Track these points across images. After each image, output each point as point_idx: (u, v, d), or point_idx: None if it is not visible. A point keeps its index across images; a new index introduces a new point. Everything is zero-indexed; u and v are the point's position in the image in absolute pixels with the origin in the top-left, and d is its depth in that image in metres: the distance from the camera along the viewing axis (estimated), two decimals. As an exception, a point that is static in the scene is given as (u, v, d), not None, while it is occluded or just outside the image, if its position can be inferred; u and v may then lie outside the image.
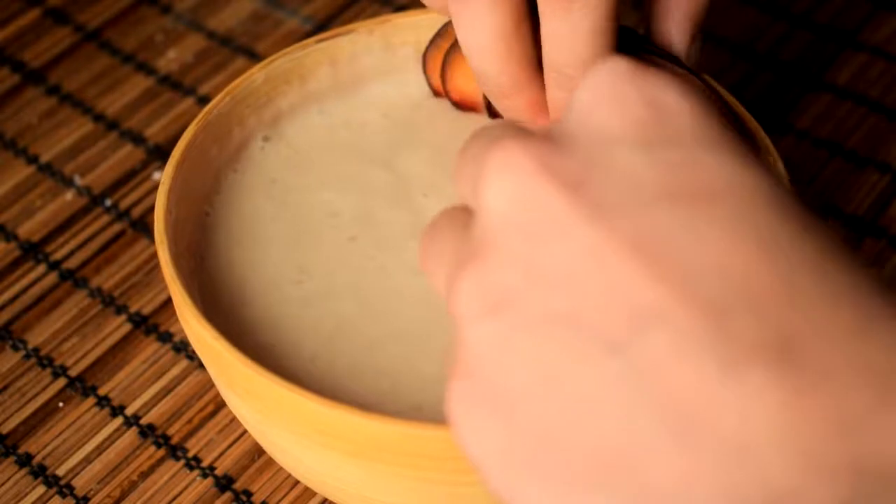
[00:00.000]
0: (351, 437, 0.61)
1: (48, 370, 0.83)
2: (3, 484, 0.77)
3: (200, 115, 0.74)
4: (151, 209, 0.89)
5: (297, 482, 0.76)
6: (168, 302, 0.86)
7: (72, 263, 0.89)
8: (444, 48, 0.76)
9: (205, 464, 0.77)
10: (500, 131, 0.47)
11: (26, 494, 0.76)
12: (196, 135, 0.74)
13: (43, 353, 0.83)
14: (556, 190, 0.42)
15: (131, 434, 0.79)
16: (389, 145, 0.76)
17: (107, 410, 0.80)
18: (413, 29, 0.81)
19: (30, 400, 0.81)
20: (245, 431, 0.78)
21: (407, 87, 0.80)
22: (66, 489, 0.76)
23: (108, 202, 0.93)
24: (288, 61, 0.79)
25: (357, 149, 0.77)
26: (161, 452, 0.78)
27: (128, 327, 0.85)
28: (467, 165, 0.48)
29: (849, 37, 1.04)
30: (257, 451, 0.78)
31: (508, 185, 0.44)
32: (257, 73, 0.77)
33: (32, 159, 0.96)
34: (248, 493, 0.76)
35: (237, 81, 0.77)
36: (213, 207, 0.74)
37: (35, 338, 0.84)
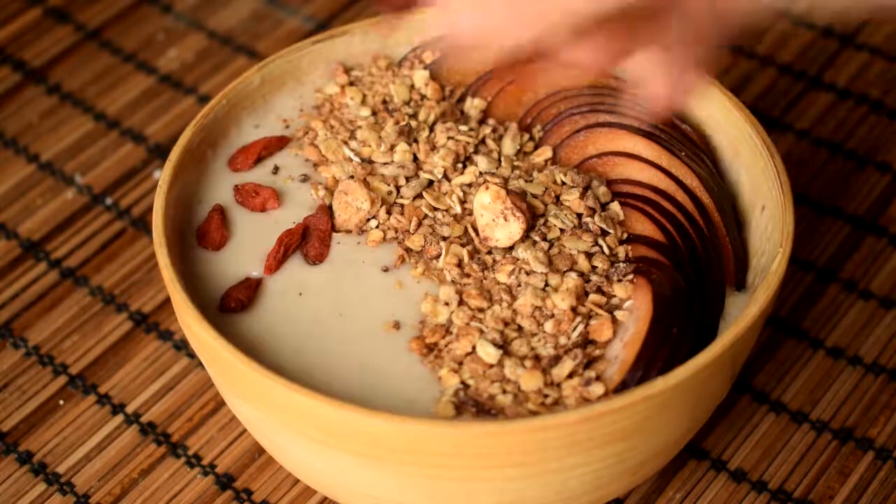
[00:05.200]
0: (359, 436, 0.61)
1: (48, 368, 0.83)
2: (3, 481, 0.77)
3: (197, 119, 0.74)
4: (152, 208, 0.89)
5: (298, 481, 0.76)
6: (169, 300, 0.86)
7: (72, 262, 0.89)
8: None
9: (205, 462, 0.77)
10: None
11: (26, 492, 0.76)
12: (193, 138, 0.74)
13: (43, 351, 0.84)
14: None
15: (132, 432, 0.79)
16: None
17: (107, 408, 0.80)
18: (407, 29, 0.81)
19: (30, 398, 0.81)
20: (245, 430, 0.78)
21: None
22: (66, 487, 0.77)
23: (109, 201, 0.93)
24: (284, 63, 0.79)
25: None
26: (161, 450, 0.78)
27: (128, 325, 0.85)
28: None
29: (849, 37, 1.04)
30: (258, 450, 0.78)
31: None
32: (253, 76, 0.78)
33: (33, 158, 0.96)
34: (249, 492, 0.76)
35: (233, 84, 0.77)
36: (205, 195, 0.74)
37: (35, 336, 0.84)
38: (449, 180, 0.73)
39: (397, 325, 0.67)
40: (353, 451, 0.62)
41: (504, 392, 0.64)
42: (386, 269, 0.70)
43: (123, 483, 0.77)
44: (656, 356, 0.64)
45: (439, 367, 0.65)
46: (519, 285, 0.68)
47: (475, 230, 0.71)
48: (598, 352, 0.66)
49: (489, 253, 0.70)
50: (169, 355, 0.83)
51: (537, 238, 0.70)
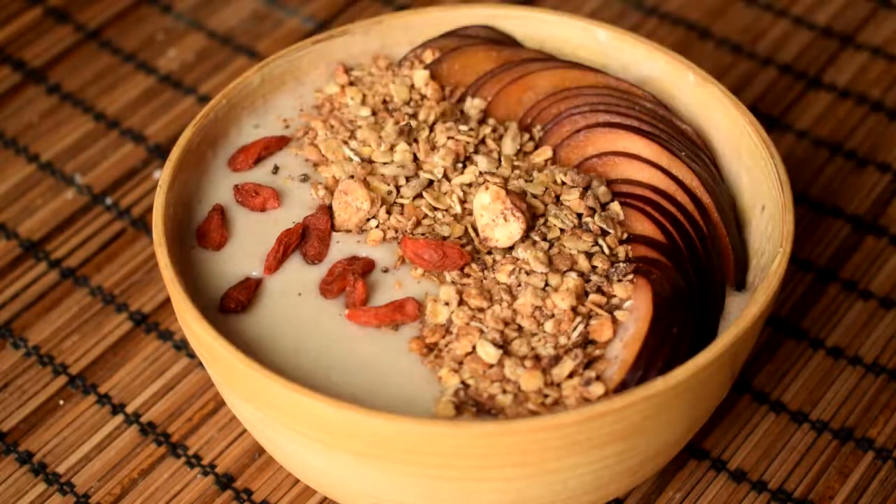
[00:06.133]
0: (359, 436, 0.61)
1: (48, 368, 0.83)
2: (3, 481, 0.77)
3: (197, 119, 0.74)
4: (152, 208, 0.89)
5: (298, 481, 0.76)
6: (169, 300, 0.86)
7: (72, 262, 0.89)
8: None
9: (205, 462, 0.77)
10: None
11: (26, 492, 0.76)
12: (193, 138, 0.74)
13: (43, 351, 0.84)
14: None
15: (132, 432, 0.79)
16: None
17: (107, 408, 0.80)
18: (407, 29, 0.82)
19: (30, 398, 0.81)
20: (245, 430, 0.78)
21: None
22: (66, 487, 0.77)
23: (109, 201, 0.93)
24: (284, 63, 0.79)
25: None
26: (161, 450, 0.78)
27: (128, 325, 0.85)
28: None
29: (849, 37, 1.04)
30: (257, 450, 0.78)
31: None
32: (253, 76, 0.78)
33: (33, 158, 0.96)
34: (249, 492, 0.76)
35: (233, 84, 0.77)
36: (205, 195, 0.74)
37: (35, 336, 0.84)
38: (449, 180, 0.73)
39: (397, 325, 0.68)
40: (353, 451, 0.62)
41: (504, 392, 0.64)
42: (385, 270, 0.70)
43: (123, 483, 0.77)
44: (656, 356, 0.64)
45: (439, 367, 0.65)
46: (519, 285, 0.68)
47: (475, 230, 0.71)
48: (598, 352, 0.66)
49: (489, 253, 0.70)
50: (169, 355, 0.83)
51: (537, 238, 0.70)
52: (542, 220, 0.71)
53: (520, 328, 0.67)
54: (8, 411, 0.81)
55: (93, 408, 0.81)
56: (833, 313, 0.84)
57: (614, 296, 0.68)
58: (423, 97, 0.78)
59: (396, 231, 0.71)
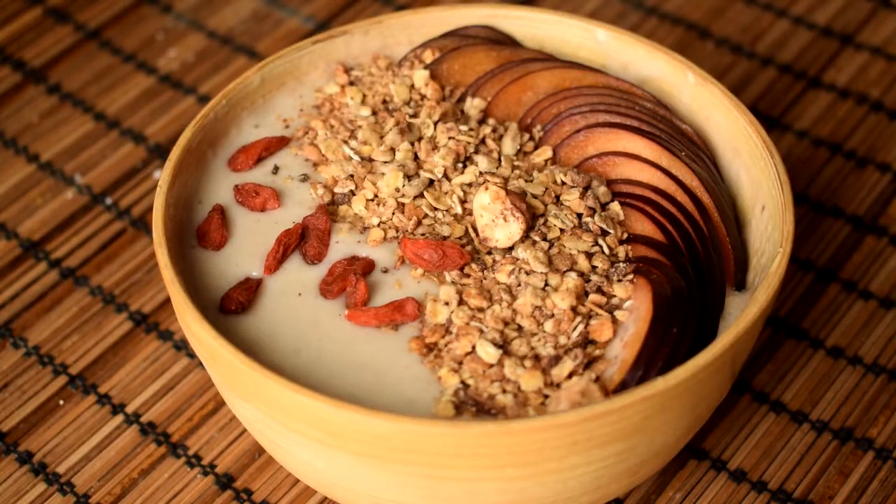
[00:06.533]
0: (359, 436, 0.61)
1: (48, 368, 0.83)
2: (3, 481, 0.77)
3: (197, 119, 0.75)
4: (152, 208, 0.89)
5: (298, 481, 0.76)
6: (169, 300, 0.86)
7: (72, 262, 0.89)
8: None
9: (205, 462, 0.77)
10: None
11: (27, 492, 0.76)
12: (193, 138, 0.74)
13: (43, 351, 0.84)
14: None
15: (132, 432, 0.79)
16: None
17: (107, 408, 0.80)
18: (407, 29, 0.82)
19: (30, 398, 0.81)
20: (245, 430, 0.78)
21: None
22: (66, 487, 0.77)
23: (109, 200, 0.93)
24: (284, 63, 0.79)
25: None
26: (161, 450, 0.78)
27: (128, 325, 0.85)
28: None
29: (849, 37, 1.04)
30: (258, 450, 0.78)
31: None
32: (253, 76, 0.78)
33: (33, 158, 0.96)
34: (249, 492, 0.76)
35: (233, 84, 0.77)
36: (205, 195, 0.74)
37: (35, 336, 0.84)
38: (449, 180, 0.73)
39: (397, 325, 0.68)
40: (353, 451, 0.62)
41: (504, 392, 0.64)
42: (385, 270, 0.70)
43: (123, 483, 0.77)
44: (656, 356, 0.64)
45: (439, 367, 0.65)
46: (519, 285, 0.68)
47: (475, 230, 0.71)
48: (598, 352, 0.66)
49: (489, 253, 0.70)
50: (169, 355, 0.83)
51: (537, 238, 0.70)
52: (542, 220, 0.71)
53: (520, 328, 0.67)
54: (8, 411, 0.81)
55: (93, 408, 0.81)
56: (833, 313, 0.84)
57: (614, 296, 0.68)
58: (423, 97, 0.78)
59: (397, 231, 0.71)
